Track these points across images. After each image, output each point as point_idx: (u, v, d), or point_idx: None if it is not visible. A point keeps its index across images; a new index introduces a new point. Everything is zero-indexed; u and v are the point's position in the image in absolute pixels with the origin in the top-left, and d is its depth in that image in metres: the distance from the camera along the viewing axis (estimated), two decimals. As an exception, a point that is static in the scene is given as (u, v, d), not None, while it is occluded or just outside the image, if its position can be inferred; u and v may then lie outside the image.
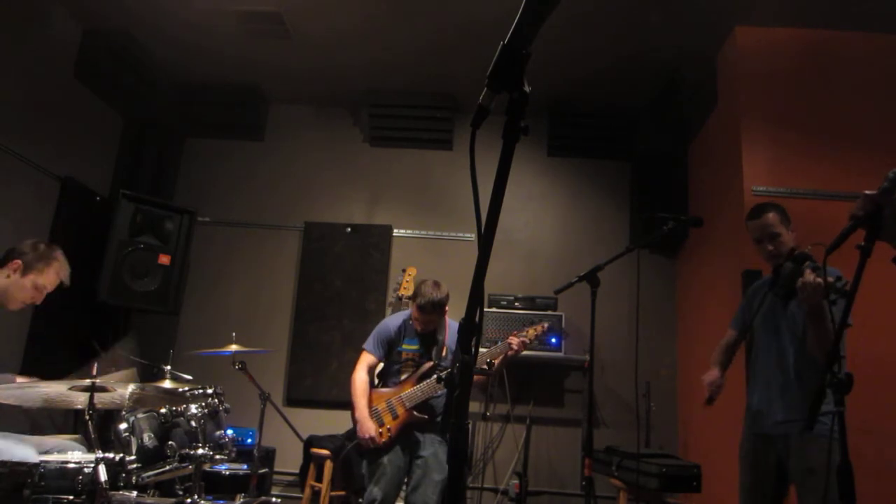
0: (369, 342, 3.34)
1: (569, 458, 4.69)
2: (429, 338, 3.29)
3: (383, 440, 3.13)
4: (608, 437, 4.37)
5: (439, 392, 3.16)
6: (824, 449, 2.42)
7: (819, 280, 2.20)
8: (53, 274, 2.75)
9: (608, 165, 5.27)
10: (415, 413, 3.16)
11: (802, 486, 2.45)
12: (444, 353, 3.28)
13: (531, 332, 3.30)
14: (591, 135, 5.20)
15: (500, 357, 3.23)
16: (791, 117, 3.89)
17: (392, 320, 3.39)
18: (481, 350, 3.19)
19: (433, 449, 3.17)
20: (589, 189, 5.26)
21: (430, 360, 3.24)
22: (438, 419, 3.25)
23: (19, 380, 2.66)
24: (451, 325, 3.35)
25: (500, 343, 3.26)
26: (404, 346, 3.29)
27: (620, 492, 3.54)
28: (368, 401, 3.21)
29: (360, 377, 3.27)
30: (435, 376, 3.13)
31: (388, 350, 3.32)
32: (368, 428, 3.12)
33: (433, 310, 3.17)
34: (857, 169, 3.65)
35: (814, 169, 3.78)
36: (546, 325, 3.40)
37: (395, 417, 3.17)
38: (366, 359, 3.30)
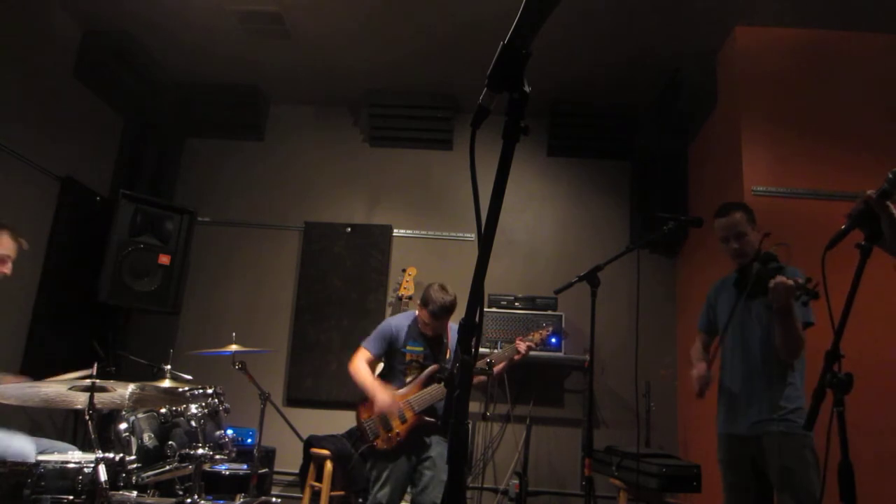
0: (369, 339, 3.30)
1: (569, 458, 4.69)
2: (433, 340, 3.27)
3: (393, 444, 3.09)
4: (608, 437, 4.38)
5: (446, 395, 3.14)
6: (799, 446, 2.45)
7: (790, 282, 2.27)
8: (7, 239, 2.83)
9: (608, 165, 5.28)
10: (424, 417, 3.12)
11: (780, 485, 2.47)
12: (448, 356, 3.26)
13: (536, 336, 3.37)
14: (591, 135, 5.20)
15: (505, 361, 3.28)
16: (791, 117, 3.88)
17: (396, 320, 3.34)
18: (493, 351, 3.33)
19: (440, 449, 3.15)
20: (589, 189, 5.26)
21: (436, 362, 3.22)
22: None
23: (10, 378, 2.67)
24: (452, 327, 3.34)
25: (506, 346, 3.31)
26: (409, 348, 3.24)
27: (620, 492, 3.54)
28: (371, 404, 3.16)
29: (359, 363, 3.23)
30: (438, 378, 3.13)
31: (389, 349, 3.28)
32: (386, 398, 3.08)
33: (445, 314, 3.15)
34: (857, 169, 3.65)
35: (814, 169, 3.78)
36: (550, 328, 3.51)
37: (403, 421, 3.11)
38: (363, 354, 3.25)
